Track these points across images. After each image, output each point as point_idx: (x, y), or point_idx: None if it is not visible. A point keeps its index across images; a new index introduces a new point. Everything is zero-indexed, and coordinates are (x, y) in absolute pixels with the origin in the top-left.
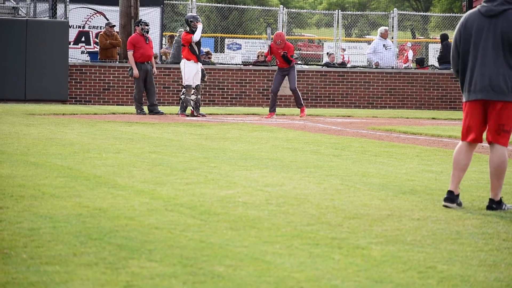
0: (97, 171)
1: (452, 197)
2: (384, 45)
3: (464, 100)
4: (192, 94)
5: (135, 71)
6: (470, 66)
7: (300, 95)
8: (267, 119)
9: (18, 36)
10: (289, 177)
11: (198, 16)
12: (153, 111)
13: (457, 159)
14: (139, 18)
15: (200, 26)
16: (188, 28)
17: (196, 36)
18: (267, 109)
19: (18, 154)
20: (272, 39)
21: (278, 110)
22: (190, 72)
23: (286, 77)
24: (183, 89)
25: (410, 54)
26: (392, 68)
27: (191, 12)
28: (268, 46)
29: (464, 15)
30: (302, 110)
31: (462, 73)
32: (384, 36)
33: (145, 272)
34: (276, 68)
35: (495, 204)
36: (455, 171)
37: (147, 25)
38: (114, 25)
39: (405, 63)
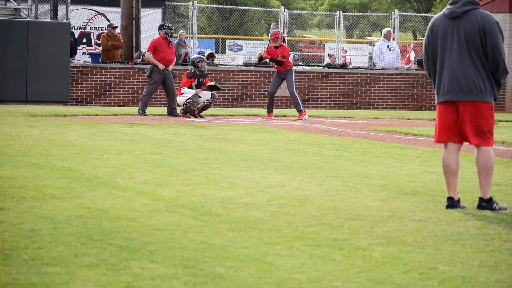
0: (98, 172)
1: (454, 203)
2: (387, 46)
3: (436, 102)
4: (200, 104)
5: (161, 66)
6: (439, 68)
7: (299, 100)
8: (267, 120)
9: (20, 37)
10: (290, 178)
11: (203, 57)
12: (172, 114)
13: (446, 164)
14: (163, 22)
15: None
16: (193, 69)
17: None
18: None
19: (19, 155)
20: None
21: (279, 111)
22: (187, 94)
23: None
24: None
25: (412, 55)
26: (396, 69)
27: (192, 13)
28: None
29: (432, 20)
30: (301, 114)
31: (434, 76)
32: (387, 37)
33: (146, 273)
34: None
35: (484, 203)
36: (448, 177)
37: (171, 29)
38: (116, 26)
39: (406, 64)
